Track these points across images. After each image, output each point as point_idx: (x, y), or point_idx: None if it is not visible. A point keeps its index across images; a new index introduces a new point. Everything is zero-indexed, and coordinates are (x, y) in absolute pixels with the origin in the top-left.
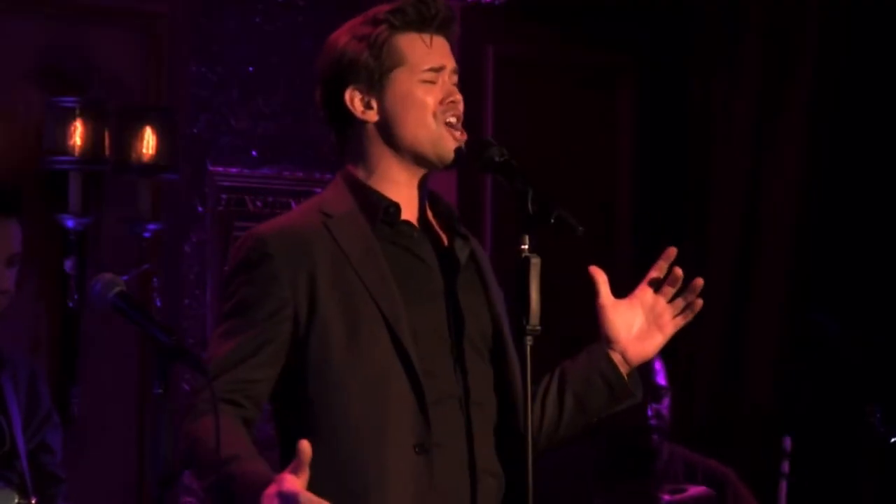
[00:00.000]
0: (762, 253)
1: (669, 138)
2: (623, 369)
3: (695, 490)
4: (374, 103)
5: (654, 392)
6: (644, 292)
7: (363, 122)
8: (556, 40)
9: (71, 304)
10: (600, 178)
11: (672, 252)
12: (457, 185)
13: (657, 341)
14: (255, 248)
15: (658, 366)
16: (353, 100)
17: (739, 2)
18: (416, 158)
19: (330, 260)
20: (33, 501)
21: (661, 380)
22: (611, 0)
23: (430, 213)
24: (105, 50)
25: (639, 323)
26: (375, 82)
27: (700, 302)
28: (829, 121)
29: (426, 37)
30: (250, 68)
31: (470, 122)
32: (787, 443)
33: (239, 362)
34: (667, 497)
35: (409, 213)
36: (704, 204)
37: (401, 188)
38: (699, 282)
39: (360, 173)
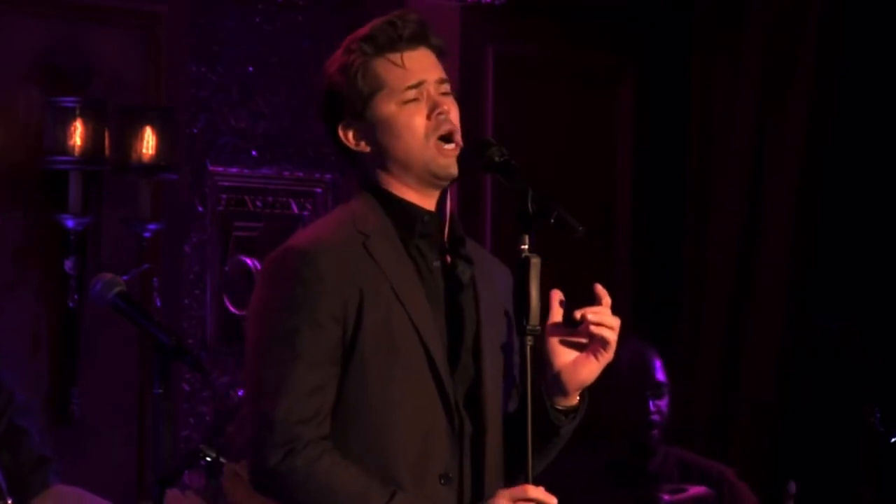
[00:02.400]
0: (762, 253)
1: (669, 138)
2: (560, 397)
3: (695, 490)
4: (364, 134)
5: (654, 388)
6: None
7: (361, 154)
8: (556, 40)
9: (71, 304)
10: (600, 178)
11: (599, 288)
12: (457, 185)
13: (592, 368)
14: (304, 267)
15: (658, 362)
16: (347, 135)
17: (740, 2)
18: (418, 181)
19: (372, 281)
20: (9, 501)
21: (661, 376)
22: (611, 0)
23: (446, 232)
24: (105, 50)
25: (578, 350)
26: (359, 113)
27: (597, 330)
28: (829, 121)
29: (396, 56)
30: (250, 68)
31: (470, 122)
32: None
33: (314, 393)
34: (667, 497)
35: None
36: (704, 204)
37: (416, 203)
38: (600, 293)
39: (385, 188)
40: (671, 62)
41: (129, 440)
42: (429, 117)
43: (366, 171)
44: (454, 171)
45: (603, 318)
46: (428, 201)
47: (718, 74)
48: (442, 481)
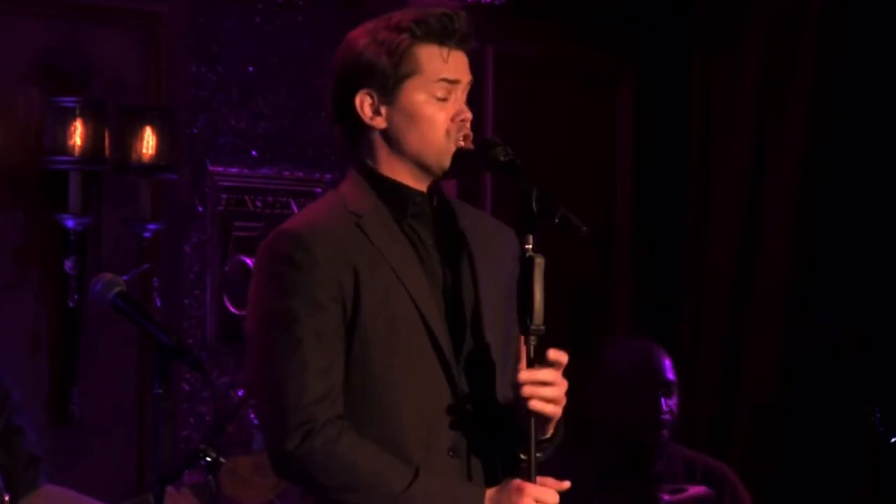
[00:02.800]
0: (762, 253)
1: (669, 138)
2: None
3: (695, 490)
4: (383, 110)
5: (665, 387)
6: None
7: (370, 128)
8: (556, 40)
9: (71, 304)
10: (600, 178)
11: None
12: (457, 184)
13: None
14: (297, 250)
15: (667, 361)
16: (363, 104)
17: (740, 2)
18: (420, 167)
19: (367, 260)
20: (6, 498)
21: (671, 375)
22: (611, 0)
23: (434, 207)
24: (105, 50)
25: None
26: (388, 89)
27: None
28: (829, 121)
29: (445, 50)
30: (250, 68)
31: (470, 121)
32: None
33: (323, 373)
34: (667, 497)
35: None
36: (704, 204)
37: (412, 185)
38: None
39: (376, 169)
40: (671, 62)
41: (129, 440)
42: (453, 119)
43: (366, 147)
44: (448, 164)
45: (535, 390)
46: (421, 185)
47: (718, 74)
48: (450, 454)
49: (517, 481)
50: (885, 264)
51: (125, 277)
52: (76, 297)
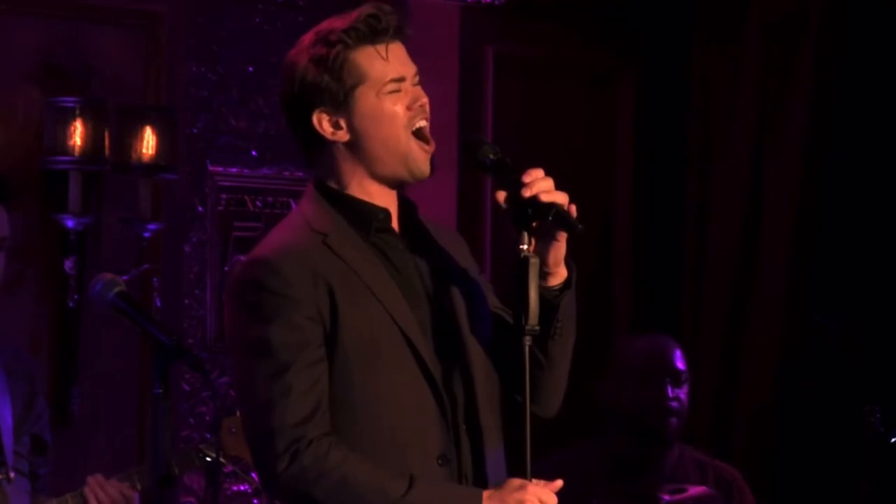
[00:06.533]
0: (762, 253)
1: (669, 138)
2: (548, 279)
3: (695, 490)
4: (342, 123)
5: (674, 375)
6: None
7: (334, 143)
8: (555, 40)
9: (71, 304)
10: (600, 178)
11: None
12: (457, 185)
13: (558, 244)
14: (268, 275)
15: (678, 352)
16: (322, 122)
17: (740, 2)
18: (390, 174)
19: (339, 276)
20: (11, 475)
21: (681, 365)
22: (611, 0)
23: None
24: (105, 50)
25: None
26: (341, 103)
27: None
28: (830, 122)
29: (381, 48)
30: (250, 68)
31: (470, 122)
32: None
33: (307, 393)
34: (667, 497)
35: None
36: (704, 204)
37: (375, 200)
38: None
39: (336, 186)
40: (671, 62)
41: (129, 440)
42: (410, 107)
43: (328, 162)
44: (428, 170)
45: (535, 183)
46: (387, 199)
47: (718, 74)
48: (440, 462)
49: (518, 479)
50: (885, 264)
51: (125, 277)
52: (76, 297)
